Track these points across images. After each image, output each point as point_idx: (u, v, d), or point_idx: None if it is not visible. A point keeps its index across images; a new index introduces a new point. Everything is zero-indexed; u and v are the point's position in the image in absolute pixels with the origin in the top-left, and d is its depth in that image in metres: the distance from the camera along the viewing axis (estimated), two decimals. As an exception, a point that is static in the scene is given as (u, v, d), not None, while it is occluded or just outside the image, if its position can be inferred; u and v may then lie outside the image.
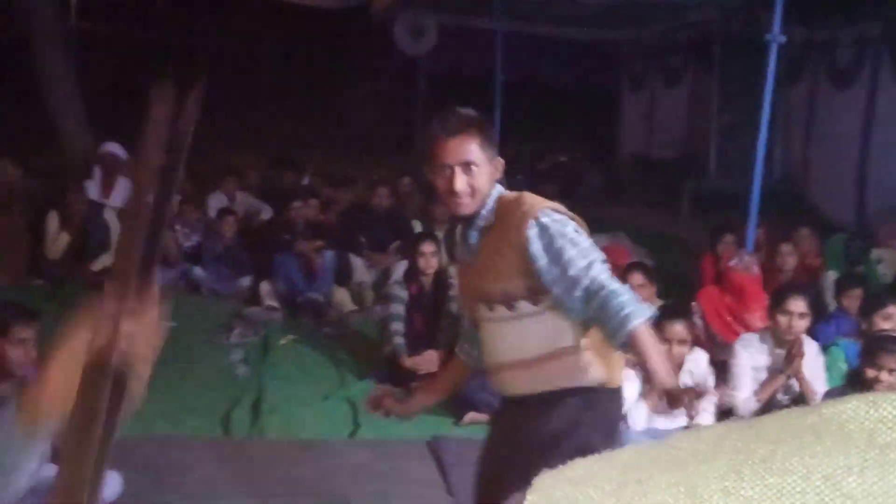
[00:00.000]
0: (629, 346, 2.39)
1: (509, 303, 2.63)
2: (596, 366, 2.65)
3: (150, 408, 5.06)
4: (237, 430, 4.93)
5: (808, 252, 7.11)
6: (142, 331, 0.94)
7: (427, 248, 5.95)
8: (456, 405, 5.23)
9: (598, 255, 2.57)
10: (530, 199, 2.64)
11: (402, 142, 14.86)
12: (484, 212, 2.65)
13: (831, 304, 6.10)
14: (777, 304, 4.80)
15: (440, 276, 6.03)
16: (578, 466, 0.50)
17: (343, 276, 7.65)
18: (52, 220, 7.76)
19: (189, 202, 8.84)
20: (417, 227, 8.26)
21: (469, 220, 2.68)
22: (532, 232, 2.54)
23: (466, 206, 2.62)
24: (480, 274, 2.69)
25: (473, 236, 2.69)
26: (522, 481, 2.15)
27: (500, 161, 2.69)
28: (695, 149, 13.15)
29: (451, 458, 4.52)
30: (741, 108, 11.39)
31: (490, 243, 2.66)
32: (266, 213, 9.15)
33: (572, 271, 2.49)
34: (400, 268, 6.99)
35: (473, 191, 2.60)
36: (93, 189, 8.17)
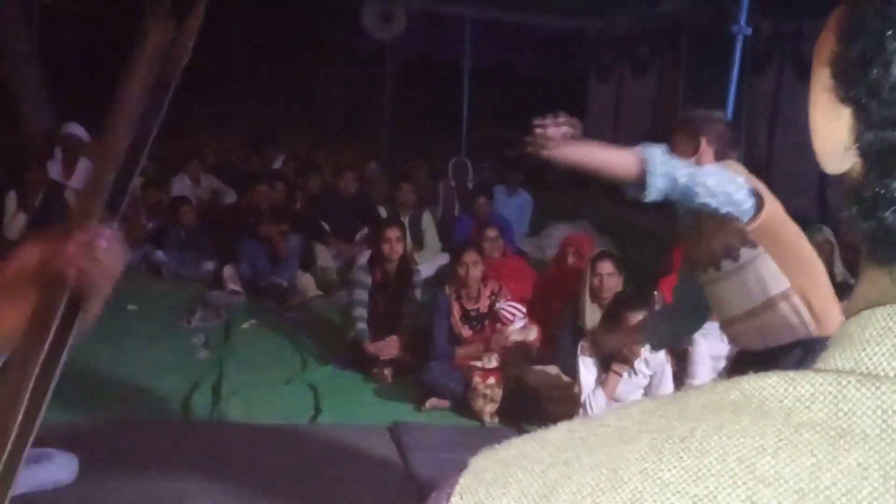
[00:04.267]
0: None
1: (716, 263, 2.99)
2: (806, 314, 2.91)
3: (109, 390, 5.03)
4: (198, 414, 4.90)
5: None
6: (101, 258, 0.90)
7: (392, 233, 5.94)
8: (417, 391, 5.24)
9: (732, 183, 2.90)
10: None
11: (370, 126, 14.79)
12: None
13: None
14: None
15: (404, 263, 6.02)
16: (511, 446, 0.50)
17: (307, 261, 7.62)
18: (10, 200, 7.66)
19: (152, 185, 8.75)
20: (383, 212, 8.24)
21: None
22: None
23: None
24: (696, 240, 3.07)
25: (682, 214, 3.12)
26: None
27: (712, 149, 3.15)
28: (660, 139, 13.19)
29: (412, 443, 4.51)
30: (707, 98, 11.45)
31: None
32: (230, 196, 9.08)
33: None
34: (365, 254, 6.97)
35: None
36: (54, 169, 8.07)
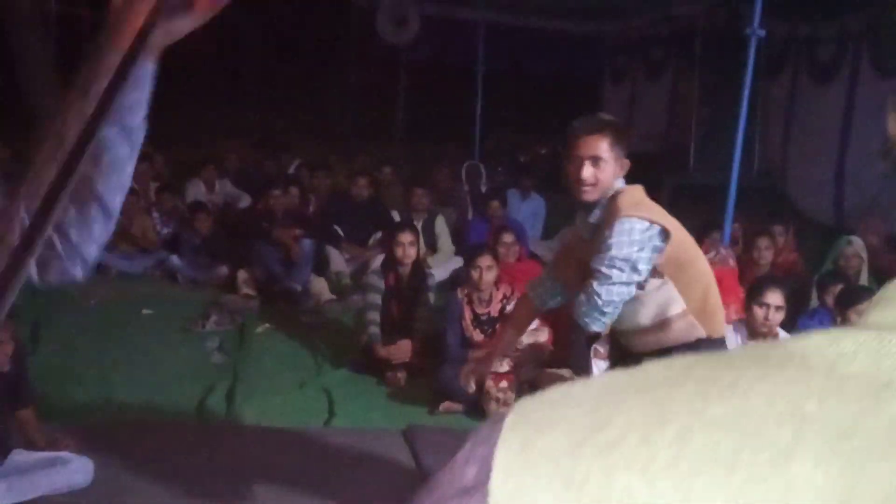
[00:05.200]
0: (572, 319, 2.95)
1: None
2: (698, 326, 3.13)
3: (124, 394, 5.05)
4: (212, 418, 4.92)
5: (784, 247, 7.14)
6: None
7: (405, 237, 5.94)
8: (431, 394, 5.24)
9: (629, 265, 2.98)
10: (618, 202, 3.07)
11: (383, 131, 14.81)
12: (598, 209, 3.13)
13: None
14: (754, 295, 4.81)
15: (417, 267, 6.02)
16: (556, 390, 0.51)
17: (321, 265, 7.63)
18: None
19: (167, 190, 8.79)
20: (397, 217, 8.24)
21: (589, 207, 3.15)
22: (606, 235, 3.02)
23: (589, 193, 3.10)
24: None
25: (588, 229, 3.19)
26: None
27: (627, 162, 3.15)
28: (675, 142, 13.18)
29: (426, 447, 4.52)
30: (722, 102, 11.41)
31: (599, 238, 3.10)
32: (245, 201, 9.11)
33: (594, 263, 3.00)
34: (379, 258, 6.98)
35: (597, 181, 3.07)
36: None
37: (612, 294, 2.99)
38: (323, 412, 5.07)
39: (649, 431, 0.45)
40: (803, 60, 10.79)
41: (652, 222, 3.03)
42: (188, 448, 4.42)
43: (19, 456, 3.89)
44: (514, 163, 12.46)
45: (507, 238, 6.96)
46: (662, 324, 3.14)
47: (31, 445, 4.01)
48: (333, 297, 7.27)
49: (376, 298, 5.81)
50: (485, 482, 0.47)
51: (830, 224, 8.82)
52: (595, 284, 2.99)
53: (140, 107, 1.11)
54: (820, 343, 0.47)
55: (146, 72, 1.09)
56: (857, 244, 6.74)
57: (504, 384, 5.05)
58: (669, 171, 12.38)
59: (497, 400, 4.98)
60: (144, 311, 6.59)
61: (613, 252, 2.97)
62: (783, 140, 11.19)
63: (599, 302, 2.99)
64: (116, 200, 1.16)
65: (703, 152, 12.23)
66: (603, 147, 3.07)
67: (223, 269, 7.60)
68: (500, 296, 5.57)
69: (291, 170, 10.44)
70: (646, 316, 3.14)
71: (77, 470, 3.87)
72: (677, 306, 3.12)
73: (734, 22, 9.64)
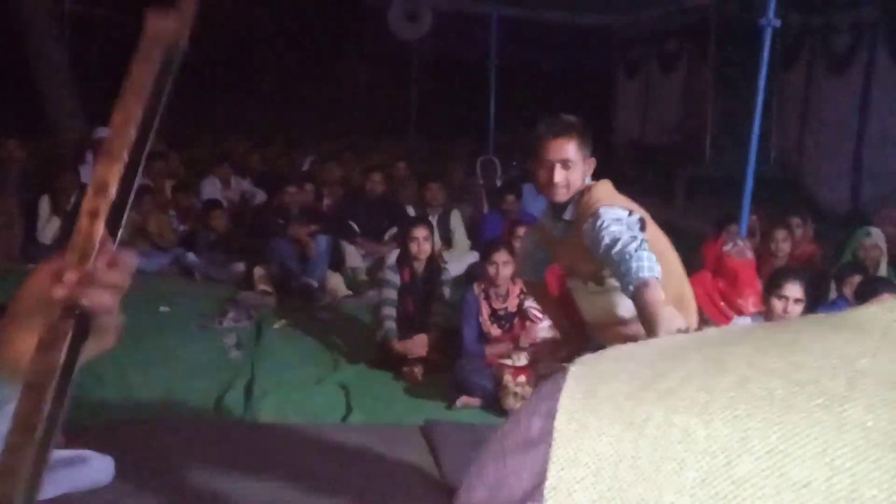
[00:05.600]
0: (637, 298, 2.80)
1: (599, 280, 3.18)
2: (679, 317, 2.99)
3: (142, 391, 5.07)
4: (230, 414, 4.93)
5: (802, 239, 7.11)
6: (108, 277, 0.88)
7: (419, 233, 5.94)
8: (448, 389, 5.24)
9: (628, 234, 2.93)
10: (590, 196, 3.10)
11: (397, 127, 14.81)
12: (571, 206, 3.15)
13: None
14: (773, 287, 4.77)
15: (432, 262, 6.02)
16: (617, 349, 0.54)
17: (337, 261, 7.64)
18: (44, 204, 7.75)
19: (182, 188, 8.82)
20: (412, 212, 8.25)
21: (561, 206, 3.18)
22: (584, 229, 3.04)
23: (562, 195, 3.13)
24: (572, 256, 3.22)
25: (561, 226, 3.21)
26: None
27: (593, 160, 3.20)
28: (690, 135, 13.13)
29: (444, 442, 4.51)
30: (737, 93, 11.36)
31: (574, 235, 3.15)
32: (260, 197, 9.13)
33: (603, 253, 2.94)
34: (394, 254, 6.98)
35: (569, 183, 3.11)
36: (86, 174, 8.15)
37: (642, 258, 2.85)
38: (340, 408, 5.08)
39: (708, 379, 0.47)
40: (819, 51, 10.72)
41: (631, 211, 3.05)
42: (207, 445, 4.43)
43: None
44: (528, 157, 12.44)
45: (523, 232, 6.93)
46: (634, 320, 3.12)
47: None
48: (349, 292, 7.28)
49: (392, 294, 5.82)
50: (549, 434, 0.49)
51: (848, 215, 8.76)
52: (615, 263, 2.89)
53: None
54: (875, 311, 0.50)
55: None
56: (877, 235, 6.70)
57: (522, 378, 5.05)
58: (685, 163, 12.34)
59: (515, 395, 4.97)
60: (162, 309, 6.61)
61: (610, 237, 2.92)
62: (799, 131, 11.13)
63: (636, 261, 2.84)
64: None
65: (718, 144, 12.19)
66: (571, 150, 3.11)
67: (240, 266, 7.62)
68: (516, 290, 5.57)
69: (305, 166, 10.46)
70: (626, 307, 3.11)
71: (98, 468, 3.89)
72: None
73: (748, 13, 9.58)
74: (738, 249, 5.94)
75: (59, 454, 3.93)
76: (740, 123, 8.65)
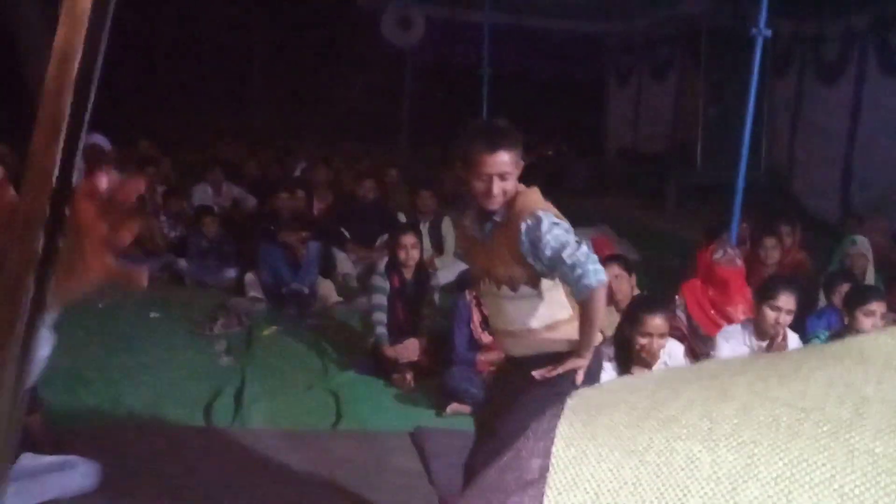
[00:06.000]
0: (587, 302, 2.99)
1: (513, 285, 3.15)
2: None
3: (131, 397, 5.05)
4: (219, 420, 4.92)
5: (791, 246, 7.13)
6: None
7: (407, 240, 5.95)
8: (439, 396, 5.24)
9: (572, 239, 3.04)
10: (524, 199, 3.13)
11: (389, 134, 14.83)
12: (501, 209, 3.15)
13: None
14: (768, 297, 4.76)
15: (421, 269, 6.02)
16: (613, 381, 0.54)
17: (328, 267, 7.64)
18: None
19: (174, 193, 8.81)
20: (403, 219, 8.25)
21: (490, 212, 3.18)
22: (522, 229, 3.05)
23: (498, 203, 3.13)
24: (490, 258, 3.20)
25: (488, 227, 3.19)
26: (512, 420, 2.91)
27: (521, 163, 3.18)
28: (681, 142, 13.17)
29: (434, 449, 4.51)
30: (728, 101, 11.41)
31: (499, 236, 3.15)
32: (251, 203, 9.13)
33: (553, 256, 3.02)
34: (384, 260, 6.98)
35: (505, 193, 3.12)
36: (75, 179, 8.13)
37: (594, 264, 3.02)
38: (330, 414, 5.07)
39: (710, 407, 0.46)
40: (809, 59, 10.78)
41: (560, 219, 3.10)
42: (196, 451, 4.42)
43: (27, 460, 3.89)
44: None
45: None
46: (549, 327, 3.17)
47: (38, 449, 4.01)
48: (340, 299, 7.27)
49: (382, 300, 5.81)
50: (546, 471, 0.48)
51: (837, 222, 8.80)
52: (568, 267, 3.00)
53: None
54: (878, 338, 0.49)
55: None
56: (862, 243, 6.72)
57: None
58: (676, 170, 12.38)
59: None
60: (152, 315, 6.60)
61: (557, 241, 3.00)
62: (790, 139, 11.18)
63: (589, 265, 3.00)
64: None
65: (709, 152, 12.23)
66: (508, 161, 3.10)
67: (230, 272, 7.62)
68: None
69: (297, 172, 10.46)
70: (535, 318, 3.17)
71: (85, 473, 3.88)
72: (565, 311, 3.17)
73: (740, 21, 9.63)
74: (728, 258, 5.96)
75: (46, 459, 3.91)
76: (731, 131, 8.68)
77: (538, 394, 3.08)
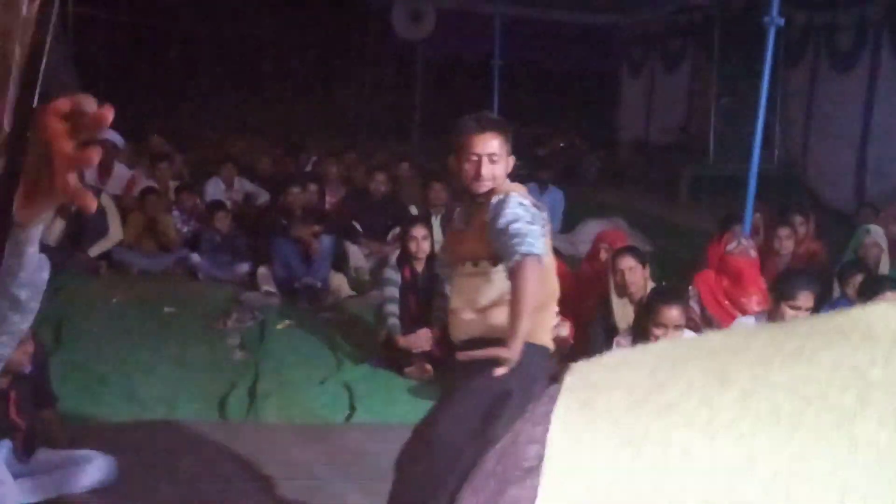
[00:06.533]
0: (514, 272, 2.95)
1: (475, 260, 3.21)
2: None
3: (145, 392, 5.07)
4: (233, 415, 4.93)
5: (805, 237, 7.09)
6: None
7: (418, 232, 5.95)
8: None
9: (528, 217, 3.05)
10: (507, 186, 3.20)
11: (401, 127, 14.82)
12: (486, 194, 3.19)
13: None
14: (785, 295, 4.61)
15: (432, 261, 6.02)
16: (613, 355, 0.53)
17: (340, 261, 7.64)
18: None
19: (186, 188, 8.83)
20: (415, 212, 8.24)
21: (477, 197, 3.22)
22: (493, 202, 3.11)
23: (486, 187, 3.17)
24: (463, 239, 3.29)
25: (471, 210, 3.25)
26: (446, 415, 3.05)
27: (513, 158, 3.27)
28: (694, 133, 13.13)
29: (447, 442, 4.50)
30: (741, 92, 11.36)
31: (476, 216, 3.22)
32: (264, 198, 9.14)
33: (501, 227, 3.02)
34: (396, 253, 6.98)
35: (494, 177, 3.17)
36: (90, 175, 8.15)
37: (532, 235, 2.99)
38: (344, 408, 5.07)
39: (709, 394, 0.45)
40: (823, 49, 10.71)
41: (537, 207, 3.16)
42: (210, 445, 4.43)
43: (43, 455, 3.91)
44: (532, 156, 12.44)
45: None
46: (496, 309, 3.17)
47: (53, 444, 4.03)
48: (353, 292, 7.28)
49: (394, 292, 5.82)
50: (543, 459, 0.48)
51: (852, 212, 8.74)
52: (508, 236, 2.99)
53: (28, 287, 1.03)
54: (886, 312, 0.47)
55: (26, 249, 0.99)
56: (876, 233, 6.67)
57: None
58: (689, 162, 12.34)
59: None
60: (166, 310, 6.62)
61: (512, 216, 3.02)
62: (804, 129, 11.12)
63: (518, 237, 2.98)
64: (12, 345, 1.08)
65: (722, 143, 12.18)
66: (497, 144, 3.17)
67: (244, 267, 7.63)
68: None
69: (309, 167, 10.47)
70: (486, 296, 3.19)
71: (100, 468, 3.89)
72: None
73: (752, 11, 9.57)
74: (742, 249, 5.94)
75: (61, 454, 3.93)
76: (744, 122, 8.64)
77: (466, 388, 3.13)
